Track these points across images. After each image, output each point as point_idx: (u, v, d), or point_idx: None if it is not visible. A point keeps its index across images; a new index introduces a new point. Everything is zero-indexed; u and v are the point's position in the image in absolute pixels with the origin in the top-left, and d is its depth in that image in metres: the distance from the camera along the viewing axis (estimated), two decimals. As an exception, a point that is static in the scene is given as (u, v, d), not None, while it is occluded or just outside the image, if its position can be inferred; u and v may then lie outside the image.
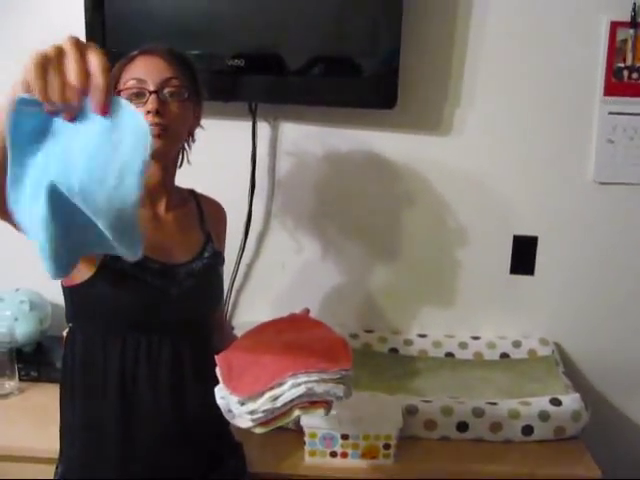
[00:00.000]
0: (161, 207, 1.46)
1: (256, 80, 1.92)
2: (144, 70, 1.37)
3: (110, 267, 1.33)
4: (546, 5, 2.01)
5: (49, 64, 0.84)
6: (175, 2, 1.92)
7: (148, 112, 1.33)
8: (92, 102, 0.85)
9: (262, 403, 1.23)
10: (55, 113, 0.87)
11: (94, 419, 1.39)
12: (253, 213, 2.11)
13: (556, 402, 1.77)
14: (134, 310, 1.36)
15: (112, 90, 0.88)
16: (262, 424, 1.25)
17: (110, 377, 1.37)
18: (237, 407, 1.25)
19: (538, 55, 2.04)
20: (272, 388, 1.24)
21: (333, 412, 1.59)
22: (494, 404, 1.78)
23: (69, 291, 1.39)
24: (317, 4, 1.89)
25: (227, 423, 1.53)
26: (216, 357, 1.36)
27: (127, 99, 1.23)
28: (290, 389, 1.23)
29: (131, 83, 1.36)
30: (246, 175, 2.08)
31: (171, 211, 1.47)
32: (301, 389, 1.23)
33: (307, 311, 1.59)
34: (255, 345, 1.40)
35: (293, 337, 1.42)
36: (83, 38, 1.83)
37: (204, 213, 1.55)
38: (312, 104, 1.98)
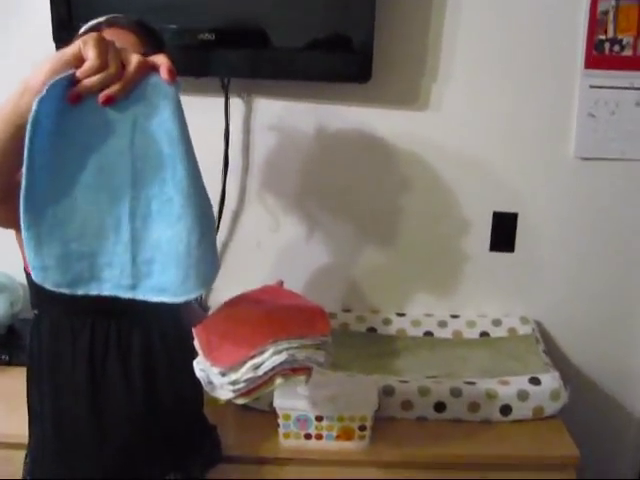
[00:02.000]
0: None
1: (228, 55, 1.92)
2: None
3: None
4: (526, -23, 2.03)
5: (109, 45, 0.89)
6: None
7: None
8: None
9: (244, 372, 1.24)
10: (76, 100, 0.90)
11: (64, 405, 1.40)
12: (227, 192, 2.12)
13: (535, 381, 1.80)
14: (101, 295, 1.37)
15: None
16: (243, 394, 1.26)
17: (79, 363, 1.38)
18: (218, 378, 1.26)
19: (517, 28, 2.05)
20: (253, 356, 1.25)
21: (306, 393, 1.62)
22: (472, 384, 1.80)
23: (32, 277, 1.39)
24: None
25: (201, 406, 1.55)
26: (193, 329, 1.36)
27: None
28: (271, 356, 1.24)
29: None
30: (219, 153, 2.10)
31: None
32: (283, 356, 1.25)
33: (280, 282, 1.61)
34: (232, 316, 1.41)
35: (270, 306, 1.43)
36: (47, 11, 1.83)
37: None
38: (285, 78, 1.98)
